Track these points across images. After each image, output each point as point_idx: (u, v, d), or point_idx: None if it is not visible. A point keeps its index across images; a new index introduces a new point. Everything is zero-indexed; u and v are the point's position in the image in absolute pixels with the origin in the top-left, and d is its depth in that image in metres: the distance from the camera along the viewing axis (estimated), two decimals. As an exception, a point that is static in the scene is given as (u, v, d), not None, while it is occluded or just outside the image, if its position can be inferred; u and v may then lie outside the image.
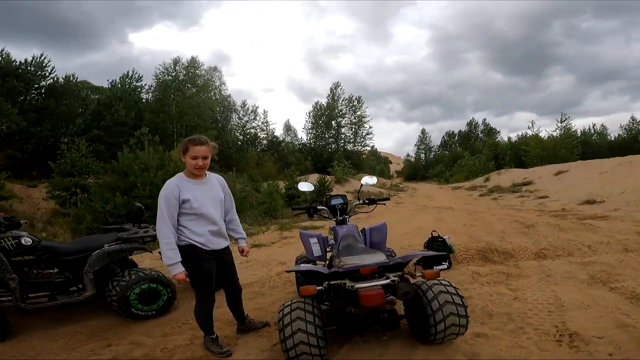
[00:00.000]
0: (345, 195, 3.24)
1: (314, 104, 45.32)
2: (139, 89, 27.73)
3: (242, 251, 2.65)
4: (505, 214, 8.01)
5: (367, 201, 3.19)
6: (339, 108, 44.16)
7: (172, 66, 28.68)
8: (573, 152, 28.96)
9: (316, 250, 3.04)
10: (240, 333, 2.71)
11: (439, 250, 3.98)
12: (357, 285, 1.85)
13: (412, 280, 2.09)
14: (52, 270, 3.00)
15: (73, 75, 25.87)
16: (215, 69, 34.51)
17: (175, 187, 2.26)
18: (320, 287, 1.93)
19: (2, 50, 21.75)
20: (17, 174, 17.43)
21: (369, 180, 3.35)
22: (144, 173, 8.52)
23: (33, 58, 22.55)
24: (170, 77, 28.17)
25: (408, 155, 59.78)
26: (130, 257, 3.93)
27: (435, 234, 4.24)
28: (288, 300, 2.15)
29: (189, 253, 2.27)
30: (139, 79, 27.45)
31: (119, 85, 26.22)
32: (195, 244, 2.29)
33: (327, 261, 3.06)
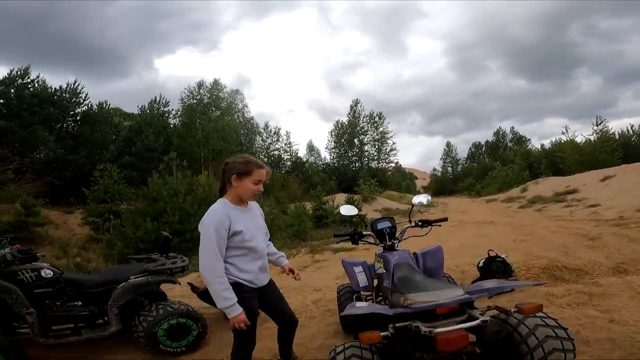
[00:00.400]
0: (393, 218, 2.87)
1: (335, 122, 45.27)
2: (167, 114, 28.55)
3: (291, 271, 2.30)
4: (559, 226, 7.24)
5: (419, 223, 2.79)
6: (361, 125, 43.72)
7: (196, 89, 29.46)
8: (614, 155, 27.27)
9: (362, 280, 2.66)
10: None
11: (499, 271, 3.46)
12: (437, 330, 1.44)
13: (500, 317, 1.66)
14: (75, 303, 2.79)
15: (106, 102, 26.57)
16: (237, 91, 35.43)
17: (226, 217, 1.92)
18: (385, 333, 1.54)
19: (38, 77, 21.90)
20: (54, 201, 17.99)
21: (422, 199, 2.97)
22: (173, 199, 8.52)
23: (67, 85, 22.91)
24: (195, 101, 28.85)
25: (434, 169, 58.21)
26: (158, 288, 3.69)
27: (492, 253, 3.73)
28: (339, 343, 1.77)
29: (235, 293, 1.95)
30: (166, 104, 28.37)
31: (148, 111, 27.05)
32: (242, 282, 1.98)
33: (374, 293, 2.67)
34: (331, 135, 44.57)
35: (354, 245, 8.36)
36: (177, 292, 4.56)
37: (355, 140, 43.42)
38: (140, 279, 2.85)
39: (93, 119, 23.93)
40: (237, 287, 1.94)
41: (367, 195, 21.98)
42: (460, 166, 52.03)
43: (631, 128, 34.97)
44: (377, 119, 43.89)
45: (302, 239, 9.86)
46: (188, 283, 3.60)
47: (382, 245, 2.60)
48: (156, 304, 2.84)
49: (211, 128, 26.54)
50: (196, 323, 2.89)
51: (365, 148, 43.73)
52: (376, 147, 43.74)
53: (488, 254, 3.76)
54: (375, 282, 2.75)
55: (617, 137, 32.02)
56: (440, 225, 2.80)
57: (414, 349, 1.56)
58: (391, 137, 43.94)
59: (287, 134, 40.86)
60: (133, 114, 29.40)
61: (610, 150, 28.07)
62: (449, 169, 53.34)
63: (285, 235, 10.31)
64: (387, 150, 43.81)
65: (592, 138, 30.90)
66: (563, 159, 30.12)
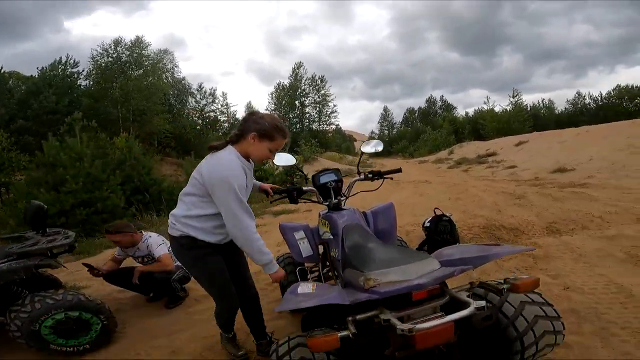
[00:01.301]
0: (339, 170, 2.39)
1: (276, 84, 43.80)
2: (76, 75, 24.29)
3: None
4: (486, 185, 7.72)
5: (370, 175, 2.36)
6: (302, 88, 43.07)
7: (112, 47, 25.40)
8: (525, 124, 31.33)
9: (305, 248, 2.21)
10: (261, 355, 2.14)
11: (446, 231, 3.35)
12: (420, 327, 1.08)
13: (492, 298, 1.36)
14: None
15: None
16: (166, 51, 30.75)
17: (242, 171, 1.72)
18: (344, 333, 1.14)
19: None
20: None
21: (374, 145, 2.47)
22: (77, 164, 7.13)
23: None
24: (110, 59, 25.05)
25: (372, 132, 60.27)
26: (50, 275, 2.92)
27: (438, 212, 3.61)
28: (284, 336, 1.37)
29: (195, 246, 1.79)
30: (75, 64, 23.97)
31: (50, 72, 22.81)
32: (197, 237, 1.79)
33: (321, 263, 2.30)
34: (271, 97, 43.47)
35: (296, 207, 8.08)
36: (85, 276, 3.77)
37: (297, 102, 42.73)
38: None
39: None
40: (190, 240, 1.77)
41: (308, 156, 21.69)
42: (395, 130, 54.65)
43: (542, 101, 40.57)
44: (319, 82, 43.54)
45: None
46: (84, 264, 2.86)
47: (327, 203, 2.18)
48: (32, 296, 2.13)
49: (131, 87, 23.26)
50: (96, 315, 2.27)
51: (307, 110, 43.41)
52: (317, 109, 43.62)
53: (434, 212, 3.63)
54: (322, 249, 2.38)
55: (529, 108, 36.52)
56: (392, 178, 2.40)
57: (382, 346, 1.22)
58: (332, 99, 44.12)
59: (224, 95, 38.59)
60: (33, 76, 24.59)
61: (522, 119, 32.06)
62: (386, 132, 55.78)
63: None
64: (328, 113, 43.90)
65: (508, 108, 35.17)
66: (484, 126, 33.67)
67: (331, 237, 1.97)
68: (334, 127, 46.20)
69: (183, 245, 1.79)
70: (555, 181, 8.04)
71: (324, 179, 2.27)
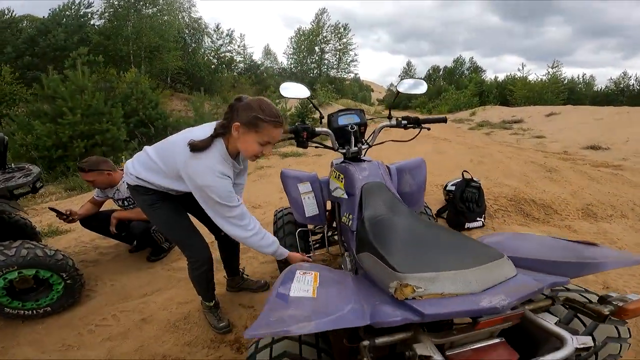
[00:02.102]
0: (363, 111, 1.89)
1: (296, 29, 41.56)
2: (89, 15, 23.18)
3: None
4: (513, 152, 7.13)
5: (403, 122, 1.83)
6: (324, 34, 41.42)
7: None
8: (559, 97, 29.59)
9: (309, 205, 1.83)
10: (230, 291, 2.19)
11: (473, 200, 2.95)
12: None
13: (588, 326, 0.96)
14: None
15: (8, 9, 21.48)
16: None
17: (224, 178, 1.42)
18: None
19: None
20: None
21: (414, 85, 1.90)
22: (77, 96, 6.73)
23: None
24: None
25: (391, 84, 57.77)
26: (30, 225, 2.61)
27: (467, 175, 3.18)
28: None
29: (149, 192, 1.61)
30: (89, 4, 22.81)
31: (61, 12, 21.82)
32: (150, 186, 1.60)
33: (327, 225, 1.92)
34: (291, 42, 42.11)
35: (305, 151, 7.63)
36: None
37: (316, 48, 41.28)
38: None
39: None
40: (143, 189, 1.59)
41: (323, 101, 20.83)
42: (416, 85, 52.68)
43: (582, 76, 38.91)
44: (342, 30, 41.73)
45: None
46: (50, 208, 2.50)
47: (344, 151, 1.74)
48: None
49: (144, 24, 21.99)
50: (57, 273, 1.97)
51: (326, 57, 42.03)
52: (337, 56, 42.13)
53: (462, 175, 3.20)
54: (329, 205, 1.97)
55: (565, 81, 34.08)
56: (429, 129, 1.84)
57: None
58: (354, 49, 42.61)
59: (242, 37, 37.03)
60: (44, 17, 23.46)
61: (557, 91, 30.00)
62: (406, 86, 53.62)
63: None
64: (348, 61, 42.36)
65: (543, 78, 33.16)
66: (512, 92, 31.97)
67: (345, 196, 1.55)
68: (352, 75, 44.28)
69: (137, 189, 1.60)
70: (586, 158, 7.41)
71: (343, 120, 1.80)
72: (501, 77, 44.09)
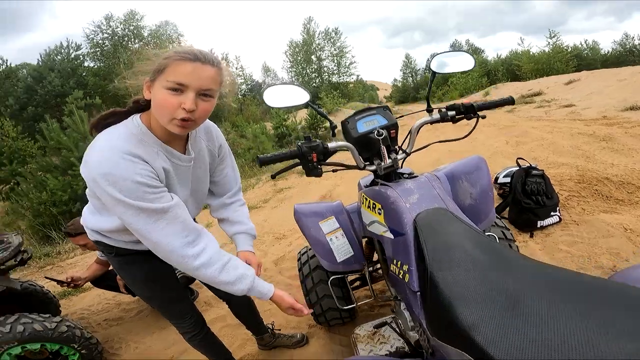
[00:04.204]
0: (388, 108, 1.36)
1: (287, 42, 42.54)
2: (81, 57, 24.28)
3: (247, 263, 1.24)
4: (550, 126, 6.45)
5: (449, 113, 1.31)
6: (317, 42, 42.03)
7: (104, 22, 25.16)
8: (569, 64, 28.75)
9: (340, 247, 1.37)
10: (263, 349, 1.84)
11: (540, 192, 2.41)
12: None
13: None
14: None
15: (2, 59, 22.71)
16: (167, 22, 30.34)
17: (136, 160, 0.92)
18: None
19: None
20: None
21: (456, 59, 1.39)
22: (80, 144, 6.62)
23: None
24: (106, 35, 24.70)
25: (395, 79, 57.60)
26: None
27: (524, 163, 2.65)
28: None
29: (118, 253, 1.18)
30: (78, 47, 23.79)
31: (53, 58, 22.98)
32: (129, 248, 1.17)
33: (368, 274, 1.47)
34: (286, 55, 43.00)
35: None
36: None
37: (313, 57, 41.74)
38: None
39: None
40: (108, 247, 1.16)
41: (331, 109, 20.57)
42: (419, 76, 52.23)
43: (585, 42, 37.78)
44: (333, 34, 42.24)
45: (263, 164, 8.76)
46: (46, 277, 2.27)
47: (373, 168, 1.25)
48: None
49: (136, 59, 22.86)
50: (66, 345, 1.67)
51: (324, 63, 42.42)
52: (335, 61, 42.40)
53: (517, 163, 2.68)
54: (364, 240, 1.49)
55: (569, 49, 33.20)
56: (484, 117, 1.30)
57: None
58: (349, 50, 42.70)
59: (237, 59, 38.09)
60: (39, 65, 24.98)
61: (564, 59, 28.87)
62: (410, 79, 53.38)
63: (244, 162, 9.20)
64: (347, 64, 42.54)
65: (546, 49, 32.43)
66: (520, 67, 30.91)
67: (389, 235, 1.06)
68: (354, 77, 44.22)
69: (101, 247, 1.19)
70: (631, 120, 6.63)
71: (364, 125, 1.28)
72: (503, 54, 43.13)
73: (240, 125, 15.82)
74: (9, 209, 7.74)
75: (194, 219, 1.17)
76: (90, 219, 1.14)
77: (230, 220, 1.32)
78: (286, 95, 1.33)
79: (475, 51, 48.55)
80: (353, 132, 1.28)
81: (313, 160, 1.16)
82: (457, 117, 1.34)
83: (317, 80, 41.27)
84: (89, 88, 18.52)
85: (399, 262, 0.99)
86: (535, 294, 0.60)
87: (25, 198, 6.82)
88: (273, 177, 1.32)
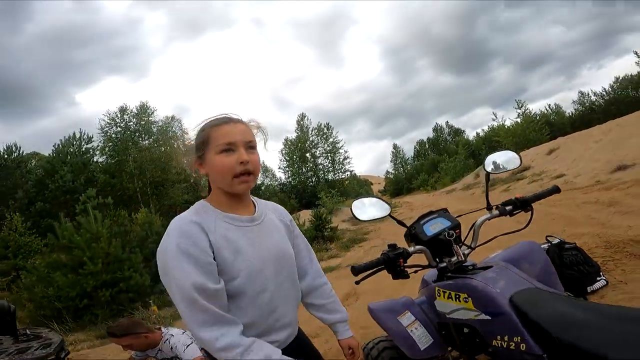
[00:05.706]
0: (447, 210, 1.63)
1: (283, 140, 44.89)
2: (91, 152, 24.41)
3: (349, 349, 1.30)
4: (551, 200, 6.84)
5: (507, 208, 1.58)
6: (310, 139, 43.86)
7: (118, 115, 25.78)
8: (542, 132, 30.43)
9: (422, 337, 1.52)
10: None
11: (579, 262, 2.60)
12: None
13: None
14: None
15: (15, 146, 22.85)
16: (173, 118, 31.78)
17: (196, 227, 1.00)
18: None
19: None
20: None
21: (506, 159, 1.79)
22: (93, 245, 6.85)
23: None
24: (119, 128, 25.51)
25: (387, 172, 60.02)
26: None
27: (553, 240, 2.88)
28: None
29: None
30: (89, 140, 24.00)
31: (64, 149, 23.01)
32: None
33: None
34: (282, 154, 44.13)
35: (364, 233, 7.00)
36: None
37: (307, 154, 43.18)
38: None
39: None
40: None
41: (332, 208, 21.05)
42: (409, 165, 53.81)
43: (548, 107, 40.54)
44: (325, 130, 44.35)
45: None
46: None
47: (443, 265, 1.47)
48: None
49: (145, 158, 23.56)
50: None
51: (319, 161, 43.74)
52: (329, 158, 43.89)
53: (547, 240, 2.90)
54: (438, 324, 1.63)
55: (537, 118, 35.94)
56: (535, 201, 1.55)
57: None
58: (342, 146, 44.51)
59: None
60: (50, 155, 25.38)
61: (537, 128, 31.16)
62: (400, 169, 54.90)
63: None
64: (341, 160, 44.11)
65: (518, 120, 34.70)
66: (500, 143, 32.68)
67: (484, 316, 1.24)
68: (349, 173, 46.18)
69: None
70: (625, 180, 7.14)
71: (431, 228, 1.52)
72: (481, 132, 45.81)
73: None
74: (10, 300, 7.59)
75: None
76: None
77: (328, 309, 1.33)
78: (371, 208, 1.64)
79: (456, 133, 51.29)
80: (422, 236, 1.52)
81: (400, 265, 1.39)
82: (515, 210, 1.61)
83: (313, 179, 42.25)
84: (99, 185, 18.44)
85: (506, 336, 1.16)
86: None
87: (28, 291, 6.77)
88: (357, 283, 1.47)
